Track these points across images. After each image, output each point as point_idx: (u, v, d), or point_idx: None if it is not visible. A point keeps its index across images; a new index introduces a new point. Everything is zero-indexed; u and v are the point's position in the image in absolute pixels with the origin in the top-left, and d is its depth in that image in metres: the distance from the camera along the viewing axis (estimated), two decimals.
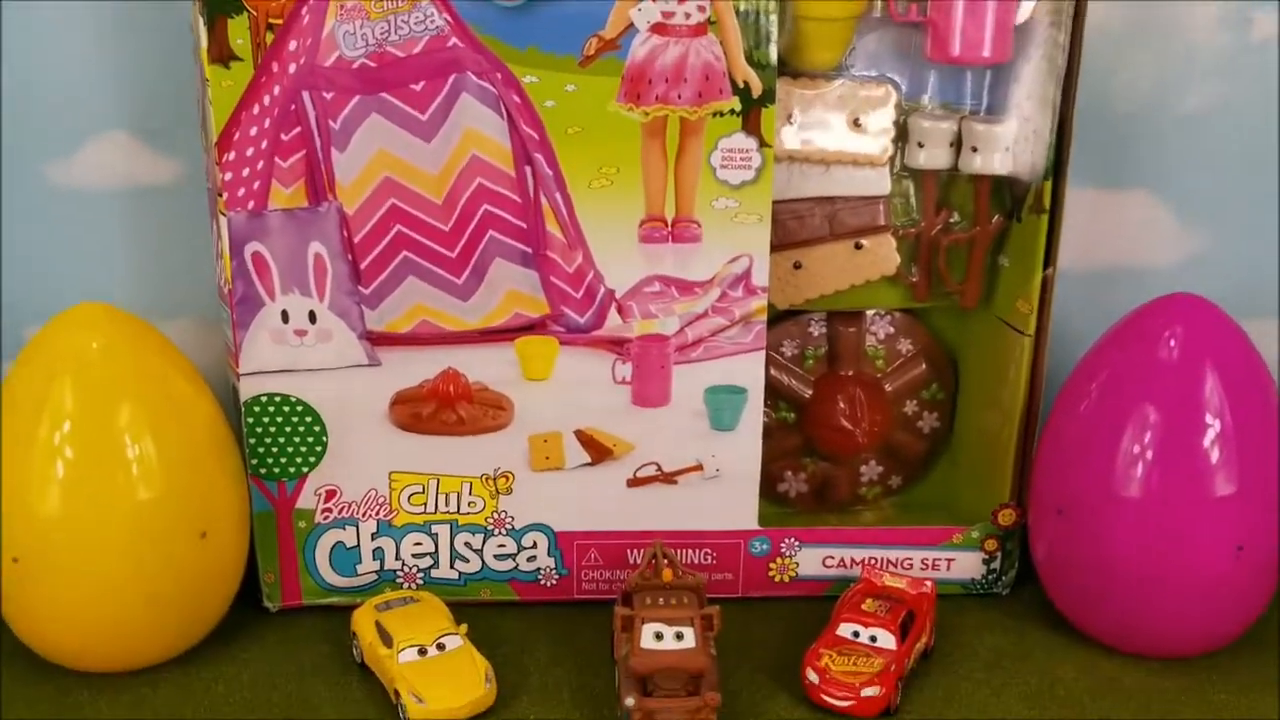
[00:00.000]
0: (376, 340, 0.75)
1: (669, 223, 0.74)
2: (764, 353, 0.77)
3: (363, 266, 0.73)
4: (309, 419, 0.76)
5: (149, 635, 0.72)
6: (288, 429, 0.76)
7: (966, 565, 0.83)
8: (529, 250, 0.73)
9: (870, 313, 0.86)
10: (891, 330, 0.87)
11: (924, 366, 0.88)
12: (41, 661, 0.73)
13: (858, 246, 0.81)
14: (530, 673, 0.74)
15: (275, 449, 0.76)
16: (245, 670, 0.74)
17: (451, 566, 0.80)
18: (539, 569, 0.81)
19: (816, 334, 0.87)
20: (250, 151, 0.70)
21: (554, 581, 0.81)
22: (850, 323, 0.86)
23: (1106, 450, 0.73)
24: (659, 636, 0.68)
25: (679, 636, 0.68)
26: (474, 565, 0.80)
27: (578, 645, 0.77)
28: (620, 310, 0.75)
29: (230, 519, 0.73)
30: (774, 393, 0.85)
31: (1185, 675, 0.74)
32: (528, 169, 0.72)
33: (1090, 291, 0.88)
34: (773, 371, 0.85)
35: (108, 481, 0.68)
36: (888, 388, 0.88)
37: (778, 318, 0.84)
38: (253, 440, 0.76)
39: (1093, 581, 0.74)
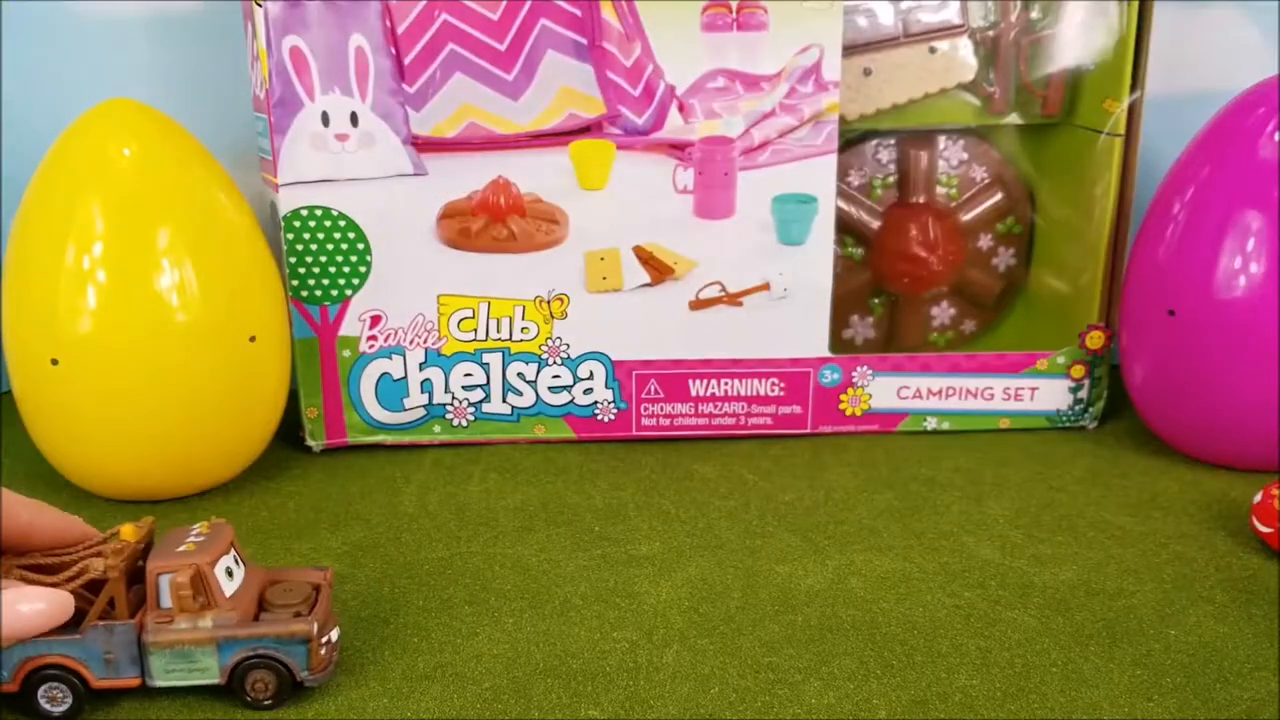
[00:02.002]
0: (422, 146, 0.70)
1: (733, 9, 0.69)
2: (836, 157, 0.72)
3: (407, 62, 0.69)
4: (352, 235, 0.72)
5: (185, 461, 0.67)
6: (329, 246, 0.72)
7: (1051, 395, 0.78)
8: (583, 41, 0.69)
9: (942, 138, 0.81)
10: (965, 156, 0.82)
11: (1000, 195, 0.83)
12: (75, 490, 0.69)
13: (932, 50, 0.75)
14: None
15: (317, 269, 0.72)
16: (290, 503, 0.69)
17: (504, 400, 0.76)
18: (596, 402, 0.76)
19: (885, 160, 0.82)
20: None
21: (612, 416, 0.76)
22: (921, 146, 0.81)
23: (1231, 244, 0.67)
24: None
25: None
26: (528, 399, 0.76)
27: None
28: (682, 109, 0.70)
29: (271, 344, 0.69)
30: (840, 226, 0.81)
31: None
32: None
33: (1175, 116, 0.82)
34: (839, 203, 0.80)
35: (144, 306, 0.63)
36: (962, 218, 0.83)
37: (842, 146, 0.79)
38: (293, 259, 0.72)
39: (1206, 389, 0.69)
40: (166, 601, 0.47)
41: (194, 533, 0.50)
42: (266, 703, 0.48)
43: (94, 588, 0.47)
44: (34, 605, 0.44)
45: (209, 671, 0.48)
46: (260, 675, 0.48)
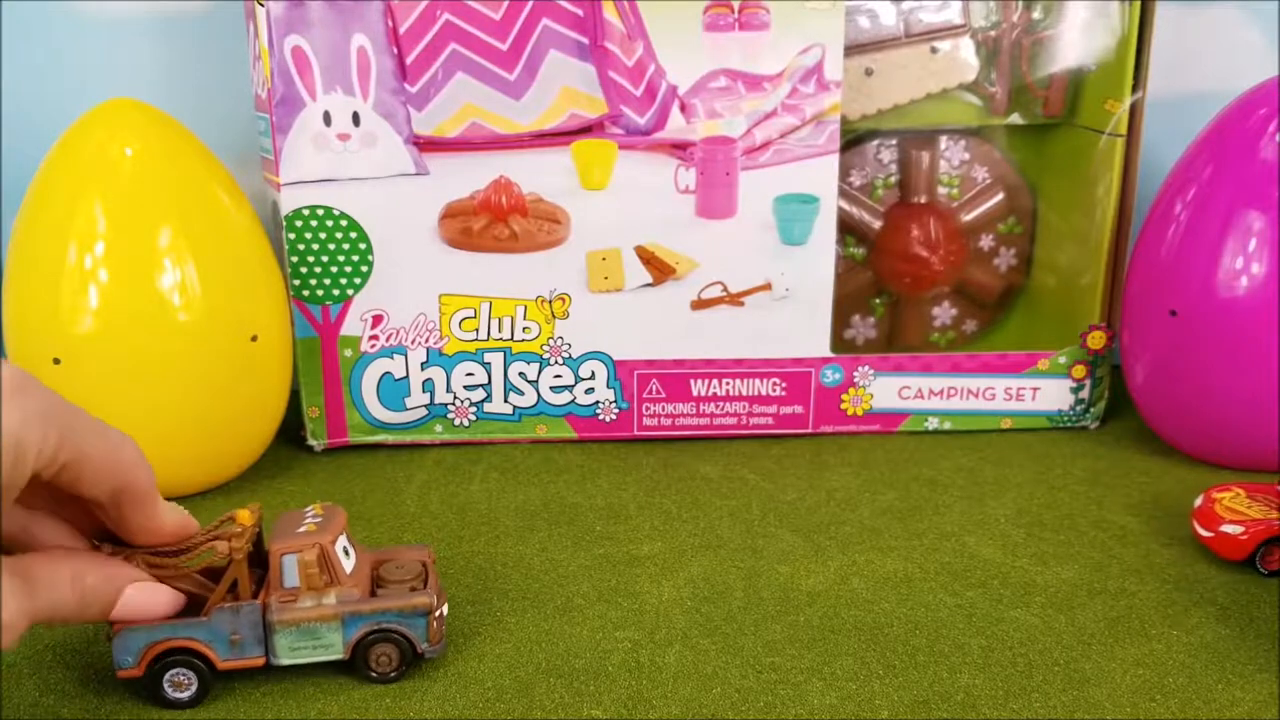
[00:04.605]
0: (424, 146, 0.70)
1: (735, 9, 0.69)
2: (837, 156, 0.72)
3: (409, 61, 0.69)
4: (353, 234, 0.72)
5: (187, 460, 0.67)
6: (331, 246, 0.72)
7: (1053, 395, 0.78)
8: (585, 41, 0.69)
9: (944, 138, 0.81)
10: (966, 156, 0.82)
11: (1001, 196, 0.83)
12: None
13: (933, 51, 0.75)
14: None
15: (319, 268, 0.72)
16: (292, 501, 0.69)
17: (505, 400, 0.76)
18: (598, 402, 0.76)
19: (886, 160, 0.82)
20: None
21: (614, 416, 0.76)
22: (923, 146, 0.81)
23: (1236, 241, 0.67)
24: None
25: None
26: (529, 398, 0.76)
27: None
28: (683, 109, 0.70)
29: (273, 343, 0.69)
30: (841, 226, 0.81)
31: None
32: None
33: (1177, 117, 0.82)
34: (840, 203, 0.80)
35: (145, 305, 0.63)
36: (964, 218, 0.83)
37: (844, 146, 0.79)
38: (295, 259, 0.72)
39: (1207, 389, 0.69)
40: (291, 581, 0.49)
41: (310, 514, 0.51)
42: (392, 675, 0.50)
43: (209, 574, 0.49)
44: (125, 588, 0.46)
45: (334, 648, 0.49)
46: (384, 649, 0.49)
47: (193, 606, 0.48)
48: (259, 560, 0.51)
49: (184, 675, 0.48)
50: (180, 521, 0.49)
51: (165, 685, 0.48)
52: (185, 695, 0.49)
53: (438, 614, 0.50)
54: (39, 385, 0.41)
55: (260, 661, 0.49)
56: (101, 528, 0.48)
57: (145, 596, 0.47)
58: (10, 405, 0.40)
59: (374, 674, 0.50)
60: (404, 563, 0.52)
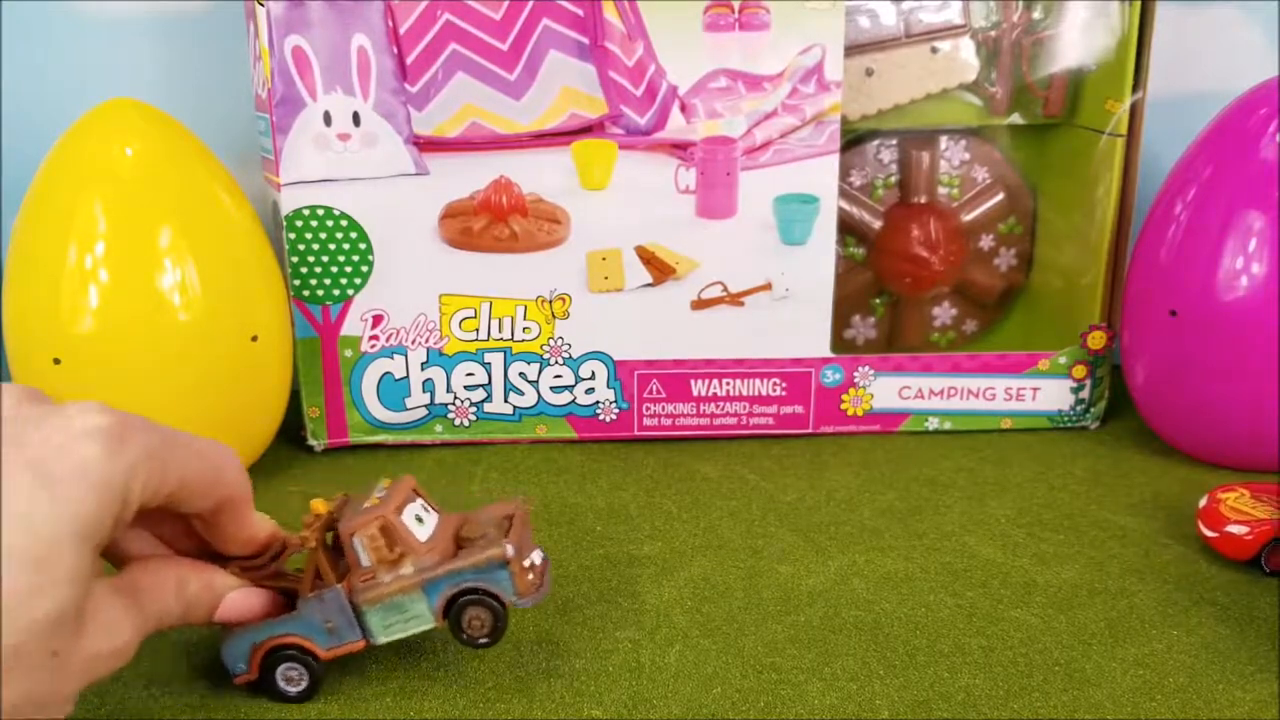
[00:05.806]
0: (424, 146, 0.70)
1: (735, 9, 0.69)
2: (837, 156, 0.72)
3: (409, 61, 0.69)
4: (354, 235, 0.71)
5: None
6: (331, 246, 0.72)
7: (1053, 395, 0.78)
8: (585, 41, 0.69)
9: (944, 138, 0.81)
10: (966, 156, 0.82)
11: (1002, 196, 0.83)
12: None
13: (934, 51, 0.75)
14: None
15: (319, 268, 0.72)
16: (292, 501, 0.69)
17: (505, 400, 0.76)
18: (598, 402, 0.76)
19: (887, 160, 0.82)
20: None
21: (614, 416, 0.76)
22: (923, 146, 0.81)
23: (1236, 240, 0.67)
24: None
25: None
26: (529, 398, 0.76)
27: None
28: (684, 109, 0.70)
29: (273, 344, 0.69)
30: (842, 226, 0.81)
31: None
32: None
33: (1177, 117, 0.82)
34: (841, 203, 0.80)
35: (146, 305, 0.63)
36: (964, 218, 0.83)
37: (844, 146, 0.79)
38: (295, 259, 0.72)
39: (1207, 389, 0.69)
40: (366, 560, 0.48)
41: (377, 490, 0.51)
42: (483, 640, 0.49)
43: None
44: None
45: (422, 618, 0.48)
46: (474, 612, 0.48)
47: (293, 605, 0.49)
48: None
49: (294, 670, 0.49)
50: (271, 529, 0.50)
51: (279, 680, 0.49)
52: (298, 689, 0.49)
53: (526, 563, 0.48)
54: (138, 427, 0.41)
55: (361, 645, 0.49)
56: (191, 536, 0.49)
57: (242, 601, 0.48)
58: (115, 458, 0.40)
59: (464, 636, 0.49)
60: (484, 520, 0.51)
